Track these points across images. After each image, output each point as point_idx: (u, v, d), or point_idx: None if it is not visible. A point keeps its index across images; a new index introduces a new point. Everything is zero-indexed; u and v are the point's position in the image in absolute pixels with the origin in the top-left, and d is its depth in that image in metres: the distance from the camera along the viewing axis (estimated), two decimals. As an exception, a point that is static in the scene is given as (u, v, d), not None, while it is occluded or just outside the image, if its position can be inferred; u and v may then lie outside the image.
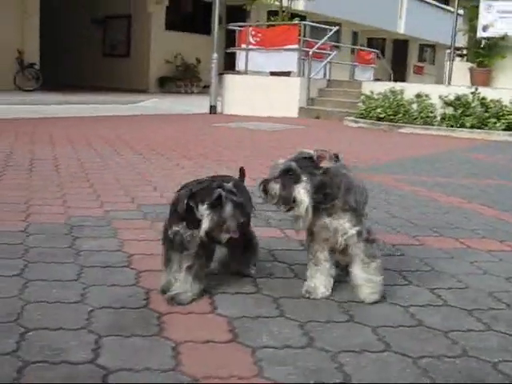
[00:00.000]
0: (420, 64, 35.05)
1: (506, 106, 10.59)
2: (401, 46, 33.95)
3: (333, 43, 17.25)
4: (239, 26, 14.58)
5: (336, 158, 2.26)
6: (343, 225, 2.20)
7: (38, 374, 1.64)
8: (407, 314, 2.20)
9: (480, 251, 3.12)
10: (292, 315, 2.12)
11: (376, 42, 31.60)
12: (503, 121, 10.40)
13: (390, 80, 17.44)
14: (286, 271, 2.60)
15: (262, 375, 1.69)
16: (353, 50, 20.92)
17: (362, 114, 11.47)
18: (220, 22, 16.41)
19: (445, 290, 2.48)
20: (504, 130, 10.35)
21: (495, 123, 10.41)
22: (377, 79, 17.75)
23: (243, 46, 14.04)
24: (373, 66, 18.19)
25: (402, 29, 30.89)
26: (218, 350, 1.84)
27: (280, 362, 1.78)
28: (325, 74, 15.05)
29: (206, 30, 21.60)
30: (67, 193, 4.00)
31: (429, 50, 36.44)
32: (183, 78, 21.90)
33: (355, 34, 30.03)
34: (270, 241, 3.07)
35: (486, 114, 10.57)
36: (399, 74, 26.12)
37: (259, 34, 14.05)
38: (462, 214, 4.02)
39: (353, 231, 2.21)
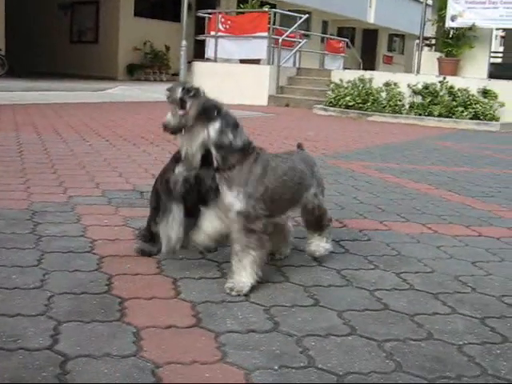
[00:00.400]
0: (389, 54, 35.23)
1: (473, 95, 10.68)
2: (370, 35, 34.06)
3: (303, 32, 17.23)
4: (209, 13, 14.44)
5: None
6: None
7: (-7, 361, 1.59)
8: (373, 298, 2.18)
9: (446, 236, 3.12)
10: (257, 300, 2.09)
11: (346, 31, 31.66)
12: (470, 110, 10.49)
13: (359, 69, 17.48)
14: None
15: (226, 360, 1.66)
16: (323, 39, 20.96)
17: (331, 102, 11.47)
18: (189, 9, 16.28)
19: (411, 274, 2.48)
20: (471, 118, 10.44)
21: (462, 112, 10.49)
22: (346, 68, 17.75)
23: (212, 33, 13.92)
24: (342, 55, 18.21)
25: (371, 18, 30.99)
26: (180, 335, 1.81)
27: (244, 346, 1.75)
28: (294, 63, 15.01)
29: (176, 16, 21.39)
30: (30, 179, 3.91)
31: (398, 40, 36.63)
32: (152, 66, 21.68)
33: (325, 23, 30.04)
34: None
35: (454, 103, 10.66)
36: (369, 64, 26.22)
37: (229, 22, 13.95)
38: (429, 200, 4.03)
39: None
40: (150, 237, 2.49)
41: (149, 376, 1.56)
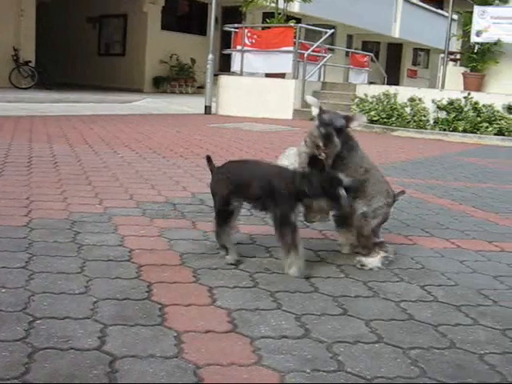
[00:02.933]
0: (414, 68, 35.24)
1: (497, 111, 10.72)
2: (395, 49, 34.12)
3: (328, 46, 17.40)
4: (235, 28, 14.66)
5: None
6: None
7: (47, 360, 1.72)
8: (398, 309, 2.29)
9: (469, 251, 3.22)
10: (288, 308, 2.21)
11: (370, 46, 31.79)
12: (495, 125, 10.54)
13: (383, 83, 17.59)
14: (282, 267, 2.68)
15: (261, 363, 1.78)
16: (347, 53, 21.10)
17: (355, 116, 11.58)
18: (216, 23, 16.51)
19: (435, 286, 2.58)
20: (495, 134, 10.49)
21: (487, 128, 10.54)
22: (371, 82, 17.86)
23: (239, 47, 14.13)
24: (367, 69, 18.31)
25: (396, 32, 31.04)
26: (218, 339, 1.93)
27: (277, 351, 1.87)
28: (319, 77, 15.16)
29: (202, 30, 21.75)
30: (67, 190, 4.07)
31: (423, 54, 36.65)
32: (178, 78, 21.98)
33: (350, 37, 30.18)
34: (266, 238, 3.16)
35: (478, 119, 10.70)
36: (393, 78, 26.30)
37: (255, 36, 14.14)
38: (453, 215, 4.12)
39: None
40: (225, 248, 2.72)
41: (191, 376, 1.68)
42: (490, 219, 4.08)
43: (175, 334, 1.94)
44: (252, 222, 3.49)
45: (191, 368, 1.73)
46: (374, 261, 2.74)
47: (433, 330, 2.12)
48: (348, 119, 2.62)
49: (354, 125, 2.62)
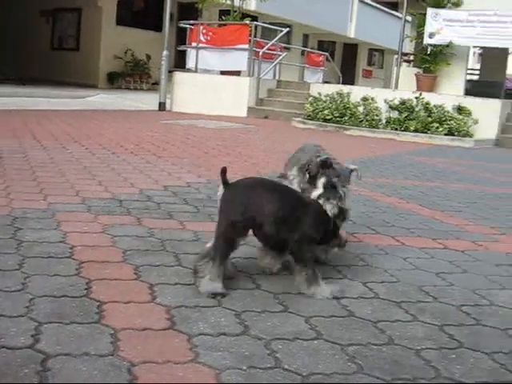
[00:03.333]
0: (369, 68, 35.61)
1: (448, 112, 10.91)
2: (350, 49, 34.41)
3: (283, 44, 17.43)
4: (190, 24, 14.57)
5: None
6: None
7: (-24, 359, 1.68)
8: (339, 306, 2.30)
9: (413, 248, 3.26)
10: (229, 305, 2.20)
11: (326, 45, 31.98)
12: (445, 126, 10.72)
13: (339, 83, 17.72)
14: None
15: (197, 360, 1.77)
16: (303, 52, 21.18)
17: (309, 115, 11.64)
18: (171, 20, 16.39)
19: (377, 283, 2.60)
20: (446, 134, 10.67)
21: (437, 128, 10.71)
22: (326, 81, 17.99)
23: (194, 44, 14.05)
24: (322, 68, 18.44)
25: (352, 33, 31.30)
26: (155, 337, 1.91)
27: (215, 348, 1.86)
28: (274, 75, 15.19)
29: (158, 26, 21.49)
30: (11, 185, 3.98)
31: (377, 55, 37.04)
32: (133, 74, 21.72)
33: (306, 37, 30.30)
34: (212, 235, 3.13)
35: (429, 119, 10.88)
36: (348, 77, 26.50)
37: (210, 33, 14.09)
38: (400, 213, 4.17)
39: None
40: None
41: (125, 374, 1.66)
42: (436, 217, 4.15)
43: (112, 332, 1.91)
44: (198, 219, 3.47)
45: (126, 366, 1.70)
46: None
47: (372, 327, 2.13)
48: None
49: None
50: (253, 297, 2.31)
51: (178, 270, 2.53)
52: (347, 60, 33.82)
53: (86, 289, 2.25)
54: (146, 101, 14.53)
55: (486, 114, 11.13)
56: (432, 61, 14.49)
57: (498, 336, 2.16)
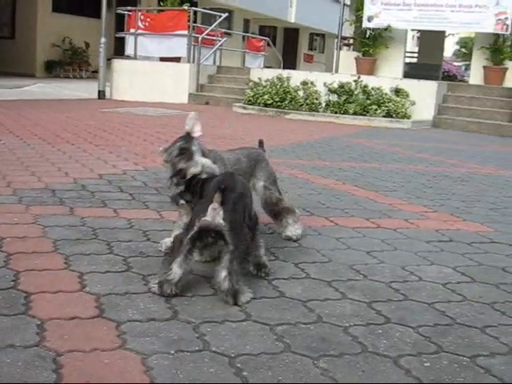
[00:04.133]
0: (310, 52, 35.81)
1: (386, 94, 11.07)
2: (292, 34, 34.53)
3: (224, 30, 17.34)
4: (128, 11, 14.35)
5: None
6: None
7: None
8: (270, 287, 2.33)
9: (346, 228, 3.32)
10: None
11: (267, 30, 31.99)
12: (383, 108, 10.87)
13: (280, 68, 17.77)
14: (158, 251, 2.66)
15: (125, 347, 1.77)
16: (244, 38, 21.13)
17: (250, 100, 11.64)
18: (109, 6, 16.10)
19: (309, 263, 2.64)
20: (384, 116, 10.83)
21: (376, 110, 10.86)
22: (268, 67, 18.01)
23: (132, 30, 13.85)
24: (263, 53, 18.45)
25: (292, 18, 31.39)
26: (83, 325, 1.89)
27: (143, 334, 1.86)
28: (215, 61, 15.12)
29: (96, 13, 21.07)
30: None
31: (319, 39, 37.29)
32: (71, 63, 21.27)
33: (247, 22, 30.25)
34: (146, 222, 3.12)
35: (368, 102, 11.01)
36: (290, 62, 26.61)
37: (148, 19, 13.89)
38: (335, 194, 4.23)
39: None
40: None
41: (50, 364, 1.64)
42: (370, 197, 4.22)
43: (38, 323, 1.88)
44: (133, 207, 3.44)
45: (51, 356, 1.68)
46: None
47: (302, 306, 2.17)
48: None
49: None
50: (184, 282, 2.31)
51: (110, 258, 2.52)
52: (288, 45, 33.93)
53: (13, 280, 2.21)
54: (85, 89, 14.29)
55: (423, 95, 11.34)
56: (371, 44, 14.71)
57: (424, 310, 2.23)
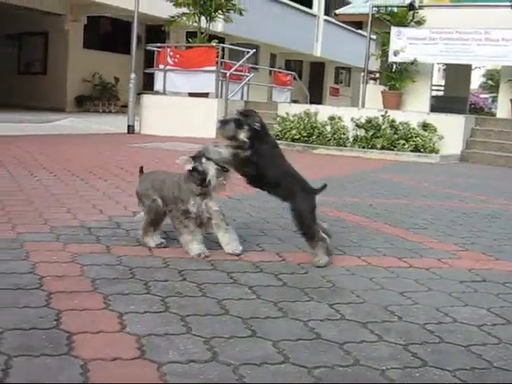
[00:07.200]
0: (336, 86, 36.00)
1: (413, 129, 11.09)
2: (317, 68, 34.77)
3: (251, 65, 17.58)
4: (158, 47, 14.63)
5: None
6: None
7: None
8: (306, 328, 2.35)
9: (379, 268, 3.33)
10: (197, 332, 2.23)
11: (294, 64, 32.29)
12: (411, 142, 10.89)
13: (306, 101, 17.90)
14: (194, 290, 2.71)
15: (167, 389, 1.80)
16: (270, 72, 21.36)
17: (277, 135, 11.74)
18: (139, 42, 16.46)
19: (343, 304, 2.66)
20: (412, 151, 10.84)
21: (404, 145, 10.89)
22: (294, 101, 18.17)
23: (161, 66, 14.11)
24: (290, 87, 18.61)
25: (318, 52, 31.67)
26: (125, 366, 1.94)
27: (184, 375, 1.89)
28: (242, 96, 15.30)
29: (125, 49, 21.51)
30: (-22, 215, 3.97)
31: (344, 73, 37.49)
32: (101, 97, 21.68)
33: (273, 56, 30.57)
34: (181, 261, 3.17)
35: (395, 136, 11.05)
36: (316, 96, 26.79)
37: (177, 55, 14.16)
38: (366, 232, 4.25)
39: None
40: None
41: (95, 405, 1.68)
42: (401, 235, 4.23)
43: (82, 363, 1.93)
44: (168, 245, 3.49)
45: (96, 397, 1.73)
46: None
47: (338, 349, 2.19)
48: None
49: None
50: (221, 322, 2.34)
51: (147, 298, 2.56)
52: (314, 78, 34.15)
53: (55, 320, 2.27)
54: (113, 123, 14.52)
55: (451, 129, 11.35)
56: (397, 78, 14.82)
57: (460, 353, 2.23)
